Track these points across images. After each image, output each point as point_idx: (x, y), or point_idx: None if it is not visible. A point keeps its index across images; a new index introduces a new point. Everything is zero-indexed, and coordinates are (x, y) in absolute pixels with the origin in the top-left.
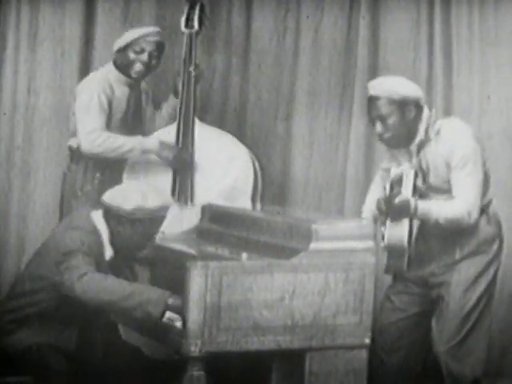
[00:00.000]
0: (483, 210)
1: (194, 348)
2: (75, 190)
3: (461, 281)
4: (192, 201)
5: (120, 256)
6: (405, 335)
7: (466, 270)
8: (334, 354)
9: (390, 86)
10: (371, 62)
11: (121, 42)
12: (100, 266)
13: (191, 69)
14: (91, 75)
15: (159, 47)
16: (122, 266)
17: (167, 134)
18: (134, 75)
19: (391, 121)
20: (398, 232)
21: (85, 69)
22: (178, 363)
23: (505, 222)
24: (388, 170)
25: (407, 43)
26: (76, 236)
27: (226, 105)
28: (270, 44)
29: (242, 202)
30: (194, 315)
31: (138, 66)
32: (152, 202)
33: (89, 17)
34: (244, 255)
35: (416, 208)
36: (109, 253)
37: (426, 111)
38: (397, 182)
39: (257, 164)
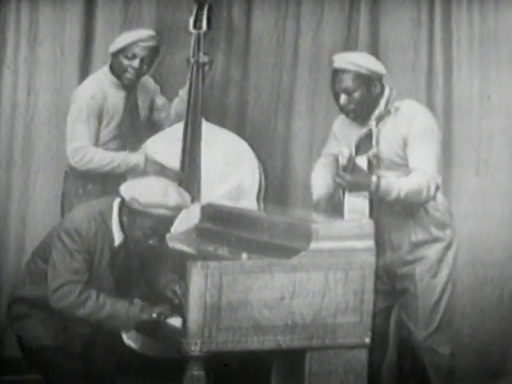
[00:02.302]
0: (433, 197)
1: (194, 347)
2: (77, 188)
3: (424, 271)
4: (199, 200)
5: (128, 244)
6: (377, 332)
7: (427, 259)
8: (334, 353)
9: (358, 60)
10: None
11: (114, 46)
12: (107, 251)
13: (203, 57)
14: (86, 81)
15: (152, 52)
16: (130, 253)
17: (172, 133)
18: (126, 81)
19: (357, 94)
20: (359, 210)
21: (85, 69)
22: (177, 363)
23: (504, 221)
24: (330, 155)
25: (407, 43)
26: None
27: (226, 105)
28: (269, 44)
29: (248, 201)
30: (194, 315)
31: (130, 72)
32: (172, 200)
33: (89, 17)
34: (244, 255)
35: (378, 183)
36: (118, 238)
37: (387, 89)
38: (361, 143)
39: (260, 164)
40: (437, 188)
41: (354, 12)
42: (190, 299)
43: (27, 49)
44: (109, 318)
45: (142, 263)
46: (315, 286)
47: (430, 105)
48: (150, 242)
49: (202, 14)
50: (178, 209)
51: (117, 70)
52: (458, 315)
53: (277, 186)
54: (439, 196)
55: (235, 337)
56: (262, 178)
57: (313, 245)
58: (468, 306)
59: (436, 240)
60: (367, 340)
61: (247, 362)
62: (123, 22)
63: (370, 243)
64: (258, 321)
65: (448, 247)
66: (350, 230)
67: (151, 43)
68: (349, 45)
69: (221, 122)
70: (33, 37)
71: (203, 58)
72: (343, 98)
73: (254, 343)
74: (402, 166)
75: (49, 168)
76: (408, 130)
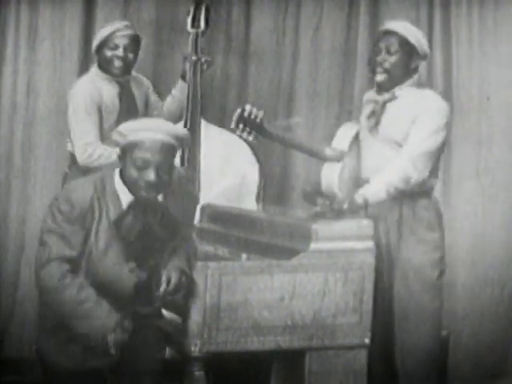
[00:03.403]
0: (424, 193)
1: (194, 348)
2: None
3: (402, 274)
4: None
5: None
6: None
7: (407, 261)
8: (334, 353)
9: (411, 28)
10: None
11: (95, 41)
12: (109, 216)
13: (201, 56)
14: (80, 81)
15: (133, 40)
16: (139, 216)
17: None
18: (115, 71)
19: (396, 57)
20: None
21: (85, 69)
22: (178, 363)
23: (504, 221)
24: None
25: None
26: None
27: (226, 104)
28: (269, 44)
29: (248, 202)
30: (194, 315)
31: (116, 62)
32: (151, 122)
33: (89, 17)
34: (244, 256)
35: (366, 201)
36: (125, 200)
37: (418, 74)
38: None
39: (259, 164)
40: (431, 187)
41: (353, 12)
42: (190, 299)
43: (27, 49)
44: (84, 317)
45: (152, 229)
46: (315, 286)
47: None
48: (152, 177)
49: (199, 13)
50: (163, 131)
51: (104, 64)
52: (458, 315)
53: (277, 187)
54: (434, 196)
55: (235, 337)
56: (262, 178)
57: (312, 245)
58: (468, 306)
59: (420, 242)
60: (367, 340)
61: (247, 362)
62: None
63: (370, 244)
64: (257, 321)
65: (434, 251)
66: (350, 231)
67: (129, 32)
68: (349, 45)
69: (221, 121)
70: (32, 37)
71: (202, 57)
72: (382, 56)
73: (254, 344)
74: (401, 147)
75: (49, 168)
76: (421, 110)
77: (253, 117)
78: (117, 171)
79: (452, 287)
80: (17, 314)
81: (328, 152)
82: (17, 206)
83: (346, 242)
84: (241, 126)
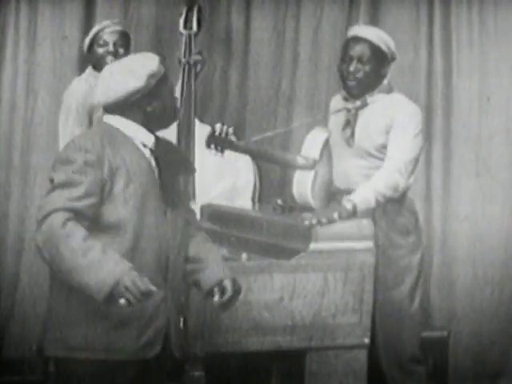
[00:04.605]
0: (398, 199)
1: (194, 348)
2: None
3: (377, 279)
4: (194, 201)
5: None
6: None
7: (384, 266)
8: (334, 354)
9: (380, 34)
10: None
11: (85, 41)
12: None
13: (195, 56)
14: (74, 82)
15: (122, 36)
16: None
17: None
18: None
19: (368, 67)
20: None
21: (84, 69)
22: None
23: (504, 221)
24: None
25: (407, 43)
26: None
27: (226, 104)
28: (269, 44)
29: (243, 202)
30: (194, 316)
31: (108, 59)
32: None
33: (88, 17)
34: (243, 255)
35: (355, 207)
36: (149, 140)
37: (387, 79)
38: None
39: (255, 164)
40: (405, 190)
41: (353, 13)
42: (190, 300)
43: (26, 50)
44: (88, 267)
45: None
46: (315, 286)
47: (429, 106)
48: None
49: (191, 15)
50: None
51: (97, 62)
52: (458, 315)
53: (276, 187)
54: (408, 199)
55: (235, 338)
56: (257, 178)
57: (312, 245)
58: (468, 305)
59: (395, 248)
60: (366, 340)
61: (247, 362)
62: (123, 22)
63: (370, 244)
64: (257, 321)
65: (411, 254)
66: (350, 231)
67: (117, 28)
68: None
69: (220, 122)
70: (32, 38)
71: (195, 57)
72: (354, 65)
73: (254, 344)
74: (375, 158)
75: (48, 169)
76: (394, 117)
77: (223, 135)
78: (118, 119)
79: (452, 287)
80: (17, 314)
81: (300, 161)
82: (17, 206)
83: (345, 241)
84: (212, 146)
